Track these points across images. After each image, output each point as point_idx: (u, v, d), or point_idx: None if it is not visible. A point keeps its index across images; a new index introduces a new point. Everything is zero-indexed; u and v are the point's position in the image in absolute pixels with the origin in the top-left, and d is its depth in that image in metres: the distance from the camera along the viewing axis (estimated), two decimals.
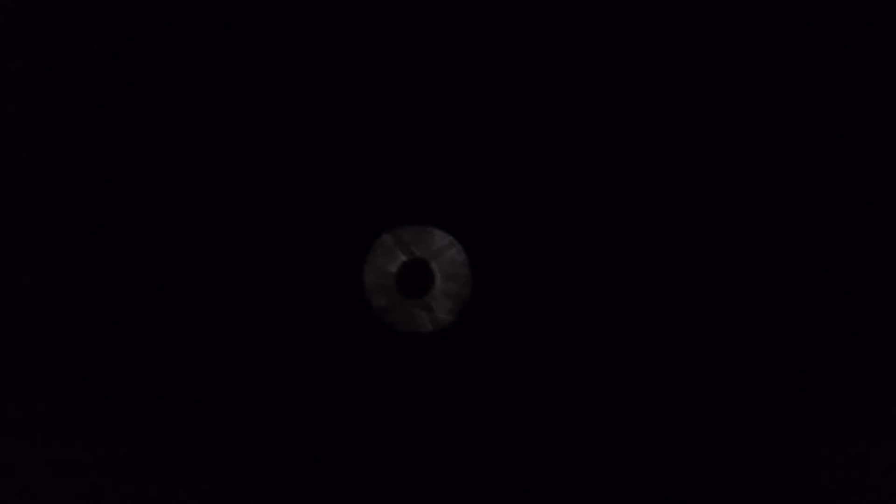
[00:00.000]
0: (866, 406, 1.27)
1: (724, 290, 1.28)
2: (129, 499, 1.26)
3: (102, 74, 1.29)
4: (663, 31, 1.29)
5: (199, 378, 1.27)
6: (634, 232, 1.29)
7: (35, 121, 1.29)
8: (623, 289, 1.28)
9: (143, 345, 1.27)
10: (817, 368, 1.27)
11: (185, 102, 1.28)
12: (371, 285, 1.28)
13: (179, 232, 1.28)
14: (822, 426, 1.27)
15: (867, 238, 1.27)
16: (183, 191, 1.28)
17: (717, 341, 1.28)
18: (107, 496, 1.26)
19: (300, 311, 1.29)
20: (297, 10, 1.30)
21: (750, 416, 1.26)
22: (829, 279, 1.28)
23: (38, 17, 1.30)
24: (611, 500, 1.26)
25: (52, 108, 1.29)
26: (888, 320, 1.27)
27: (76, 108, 1.29)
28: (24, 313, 1.27)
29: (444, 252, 1.29)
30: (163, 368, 1.27)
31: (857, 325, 1.27)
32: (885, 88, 1.28)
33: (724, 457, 1.26)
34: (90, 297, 1.27)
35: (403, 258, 1.28)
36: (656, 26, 1.29)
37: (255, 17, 1.29)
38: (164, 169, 1.28)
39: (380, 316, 1.27)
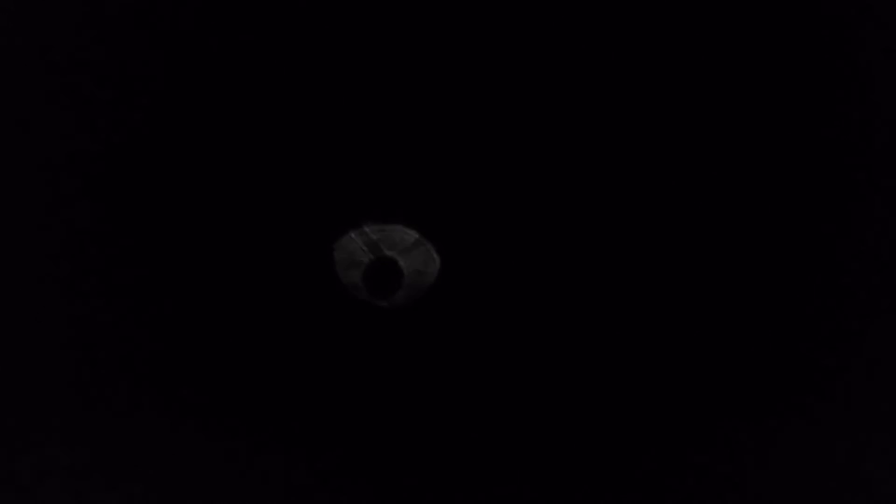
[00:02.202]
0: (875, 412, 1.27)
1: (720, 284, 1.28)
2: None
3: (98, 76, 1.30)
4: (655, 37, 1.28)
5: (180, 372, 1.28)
6: (620, 234, 1.28)
7: (29, 118, 1.30)
8: (600, 294, 1.28)
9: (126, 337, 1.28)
10: (821, 374, 1.27)
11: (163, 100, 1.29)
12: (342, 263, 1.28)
13: (154, 228, 1.29)
14: (827, 430, 1.27)
15: (874, 239, 1.27)
16: (156, 187, 1.28)
17: (709, 337, 1.28)
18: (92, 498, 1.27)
19: (272, 300, 1.29)
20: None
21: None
22: (834, 281, 1.28)
23: (37, 14, 1.31)
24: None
25: (49, 106, 1.29)
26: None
27: (70, 108, 1.29)
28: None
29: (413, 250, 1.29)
30: (147, 363, 1.28)
31: (862, 327, 1.27)
32: (885, 89, 1.28)
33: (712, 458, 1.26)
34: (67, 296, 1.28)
35: (371, 257, 1.28)
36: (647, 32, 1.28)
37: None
38: (138, 162, 1.28)
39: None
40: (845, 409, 1.26)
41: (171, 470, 1.27)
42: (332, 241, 1.29)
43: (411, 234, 1.29)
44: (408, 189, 1.30)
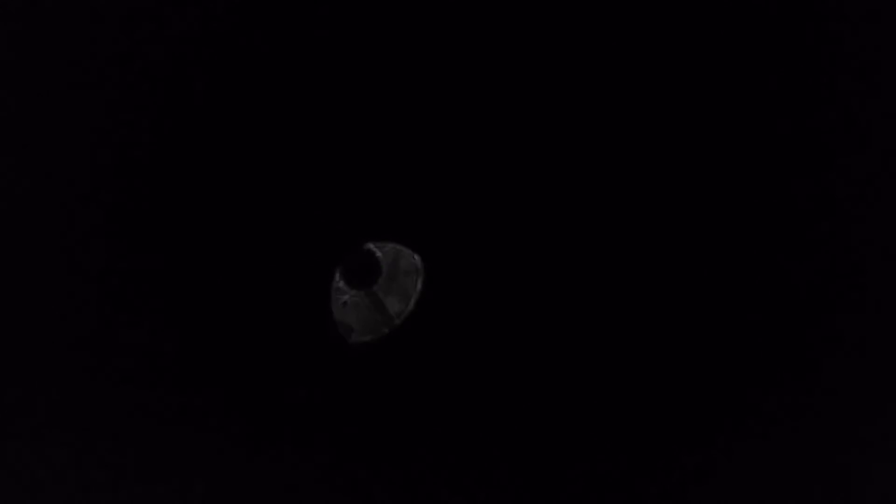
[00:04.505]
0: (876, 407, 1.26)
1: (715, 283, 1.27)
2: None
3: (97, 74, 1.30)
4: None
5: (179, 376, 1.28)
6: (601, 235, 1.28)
7: (30, 118, 1.31)
8: (586, 291, 1.28)
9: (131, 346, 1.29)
10: (824, 370, 1.26)
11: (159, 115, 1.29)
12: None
13: (156, 231, 1.29)
14: (829, 428, 1.26)
15: (871, 235, 1.26)
16: (157, 194, 1.29)
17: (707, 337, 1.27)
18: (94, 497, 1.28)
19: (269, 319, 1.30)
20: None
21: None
22: (835, 278, 1.26)
23: (39, 15, 1.32)
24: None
25: (46, 105, 1.30)
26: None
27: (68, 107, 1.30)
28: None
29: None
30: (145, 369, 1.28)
31: (863, 325, 1.26)
32: (886, 89, 1.26)
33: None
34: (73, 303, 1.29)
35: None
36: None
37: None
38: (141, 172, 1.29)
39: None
40: (845, 406, 1.25)
41: (172, 471, 1.27)
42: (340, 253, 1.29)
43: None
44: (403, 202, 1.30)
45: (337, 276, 1.28)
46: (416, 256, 1.29)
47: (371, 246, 1.29)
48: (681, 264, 1.28)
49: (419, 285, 1.29)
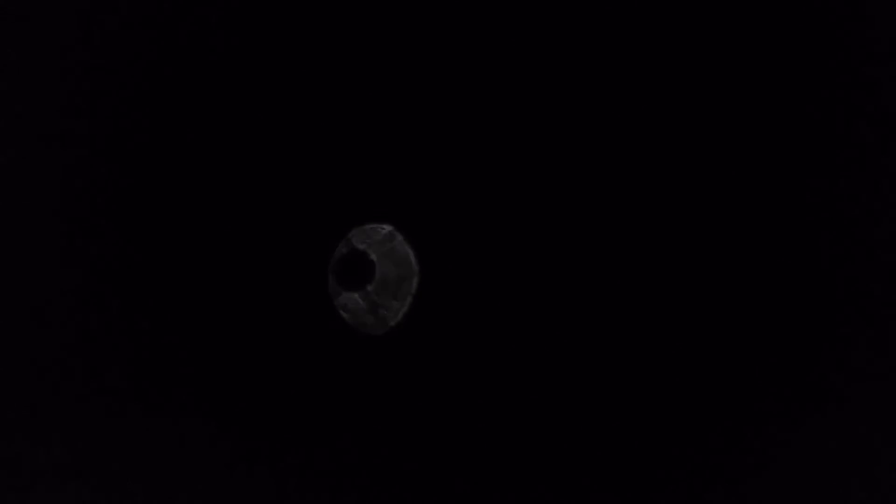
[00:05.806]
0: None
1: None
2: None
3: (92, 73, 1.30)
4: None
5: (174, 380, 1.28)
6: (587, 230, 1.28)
7: (26, 118, 1.30)
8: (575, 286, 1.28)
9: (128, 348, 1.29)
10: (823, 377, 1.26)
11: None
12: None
13: (151, 229, 1.29)
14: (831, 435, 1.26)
15: (875, 236, 1.26)
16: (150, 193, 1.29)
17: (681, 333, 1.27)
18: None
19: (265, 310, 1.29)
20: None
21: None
22: (840, 281, 1.27)
23: (34, 12, 1.31)
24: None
25: (43, 107, 1.30)
26: None
27: (66, 109, 1.30)
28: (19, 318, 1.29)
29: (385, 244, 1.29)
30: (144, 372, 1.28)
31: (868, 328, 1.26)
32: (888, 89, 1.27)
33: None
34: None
35: (343, 251, 1.28)
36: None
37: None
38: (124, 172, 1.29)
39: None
40: (850, 409, 1.26)
41: (171, 471, 1.27)
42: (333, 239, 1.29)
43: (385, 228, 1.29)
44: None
45: (330, 277, 1.28)
46: (412, 254, 1.29)
47: (364, 246, 1.28)
48: (694, 272, 1.28)
49: (414, 285, 1.29)
